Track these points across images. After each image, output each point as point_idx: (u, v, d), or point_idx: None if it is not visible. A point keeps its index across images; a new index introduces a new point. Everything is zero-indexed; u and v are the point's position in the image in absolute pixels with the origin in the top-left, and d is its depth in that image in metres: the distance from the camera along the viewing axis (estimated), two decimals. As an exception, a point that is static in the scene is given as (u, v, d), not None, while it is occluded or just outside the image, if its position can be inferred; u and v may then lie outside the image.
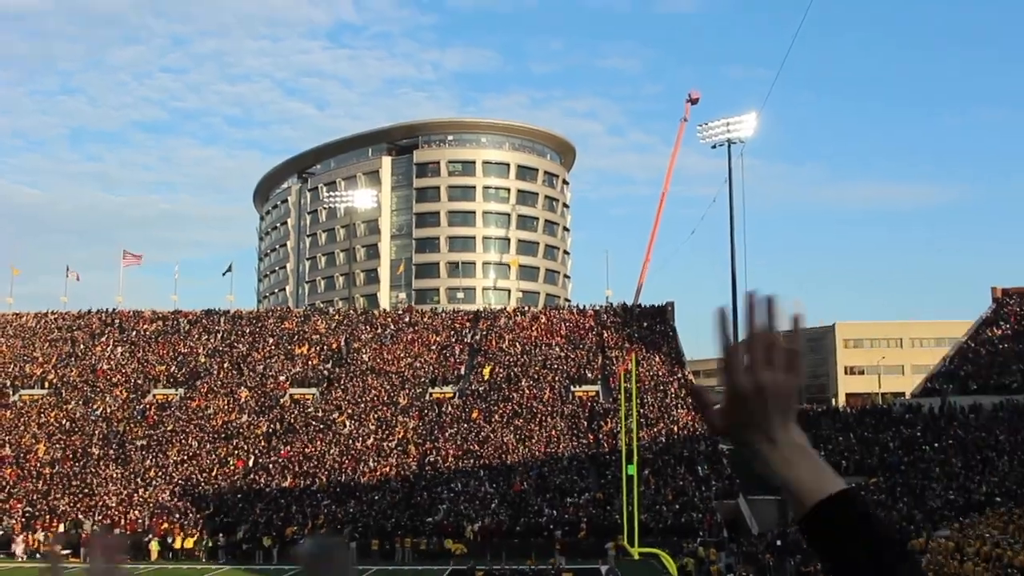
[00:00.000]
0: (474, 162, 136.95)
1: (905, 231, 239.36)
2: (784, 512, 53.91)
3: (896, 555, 1.67)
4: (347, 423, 68.05)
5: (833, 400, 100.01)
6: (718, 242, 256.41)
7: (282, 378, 75.58)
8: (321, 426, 67.99)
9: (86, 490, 61.46)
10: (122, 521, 57.49)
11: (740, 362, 1.79)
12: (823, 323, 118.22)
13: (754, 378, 1.78)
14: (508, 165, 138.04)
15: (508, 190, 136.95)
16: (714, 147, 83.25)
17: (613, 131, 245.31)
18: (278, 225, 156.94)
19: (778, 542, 45.04)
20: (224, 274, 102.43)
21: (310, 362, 77.97)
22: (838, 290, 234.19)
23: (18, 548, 54.61)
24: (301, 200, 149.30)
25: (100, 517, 58.16)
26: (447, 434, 65.91)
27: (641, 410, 59.56)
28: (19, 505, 60.04)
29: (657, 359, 74.44)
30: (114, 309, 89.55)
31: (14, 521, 58.09)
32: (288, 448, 65.45)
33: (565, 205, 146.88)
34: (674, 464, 59.65)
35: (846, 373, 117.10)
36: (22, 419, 71.35)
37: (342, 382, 74.46)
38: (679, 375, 72.62)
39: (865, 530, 1.69)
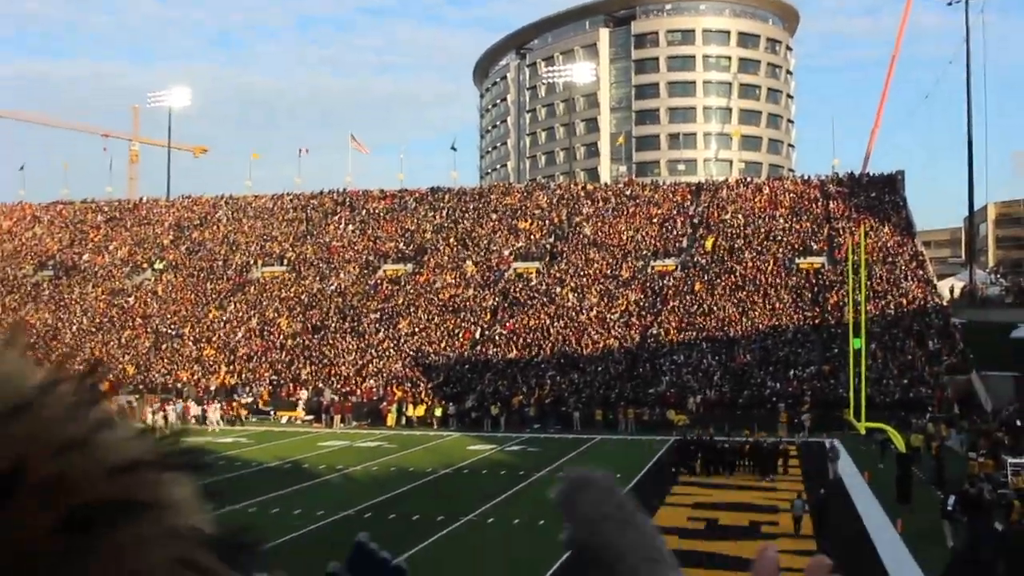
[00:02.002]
0: (693, 31, 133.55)
1: None
2: (1021, 389, 51.70)
3: None
4: (570, 296, 68.97)
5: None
6: (954, 106, 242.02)
7: (506, 252, 77.01)
8: (544, 299, 69.20)
9: (324, 360, 65.02)
10: (358, 390, 60.67)
11: None
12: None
13: None
14: (728, 33, 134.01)
15: (729, 58, 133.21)
16: (950, 3, 78.04)
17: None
18: (498, 102, 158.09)
19: (1017, 421, 43.22)
20: (453, 149, 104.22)
21: (533, 237, 79.00)
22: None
23: (213, 415, 55.45)
24: (520, 76, 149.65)
25: (339, 385, 61.52)
26: (669, 306, 65.97)
27: (869, 282, 57.80)
28: (266, 373, 64.22)
29: (886, 230, 71.81)
30: (344, 189, 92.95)
31: (263, 388, 62.20)
32: (513, 321, 67.07)
33: (788, 72, 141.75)
34: (902, 338, 57.98)
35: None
36: (264, 294, 75.77)
37: (565, 256, 75.26)
38: (909, 247, 69.98)
39: None
